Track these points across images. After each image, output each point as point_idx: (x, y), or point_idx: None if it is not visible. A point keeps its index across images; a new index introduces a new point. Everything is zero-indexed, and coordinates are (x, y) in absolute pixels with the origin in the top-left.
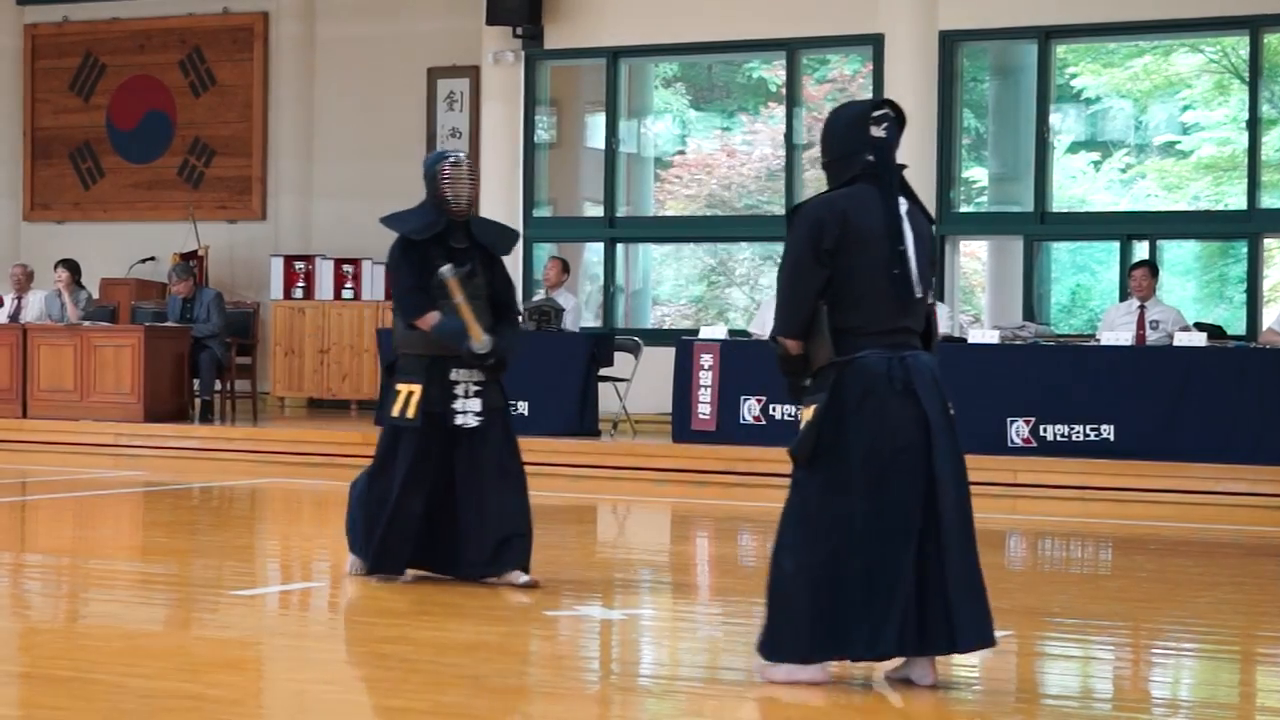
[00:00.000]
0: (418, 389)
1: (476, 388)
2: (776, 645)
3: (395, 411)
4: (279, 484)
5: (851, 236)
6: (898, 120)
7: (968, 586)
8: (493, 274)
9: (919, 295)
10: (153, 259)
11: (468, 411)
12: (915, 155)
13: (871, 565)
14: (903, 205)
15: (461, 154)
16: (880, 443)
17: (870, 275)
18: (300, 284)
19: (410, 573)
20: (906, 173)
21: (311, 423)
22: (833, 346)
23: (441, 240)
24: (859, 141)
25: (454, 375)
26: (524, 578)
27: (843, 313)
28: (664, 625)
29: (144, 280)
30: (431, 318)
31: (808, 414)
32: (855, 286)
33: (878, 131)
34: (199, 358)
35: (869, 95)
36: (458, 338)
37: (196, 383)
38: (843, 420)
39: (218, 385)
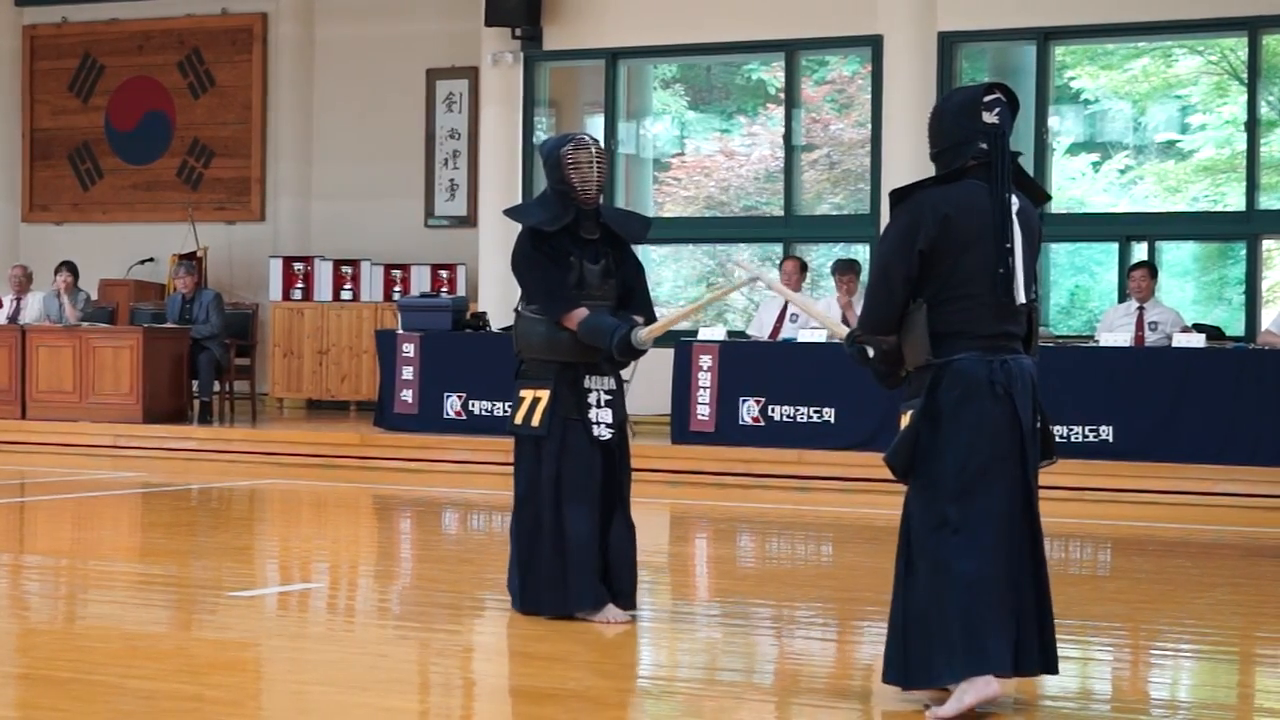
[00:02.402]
0: (545, 394)
1: (608, 397)
2: (910, 669)
3: (519, 419)
4: (278, 485)
5: (952, 238)
6: (1010, 105)
7: (1050, 605)
8: (624, 264)
9: (1023, 300)
10: (151, 260)
11: (601, 423)
12: (913, 157)
13: (980, 580)
14: (1014, 203)
15: (587, 135)
16: (980, 449)
17: (972, 278)
18: (299, 285)
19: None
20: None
21: (310, 424)
22: (930, 349)
23: (571, 231)
24: (970, 129)
25: (587, 382)
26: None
27: (942, 315)
28: (662, 626)
29: (143, 281)
30: (580, 314)
31: (904, 419)
32: (955, 288)
33: (990, 118)
34: (198, 359)
35: (868, 97)
36: (607, 336)
37: (195, 384)
38: (939, 425)
39: (216, 386)
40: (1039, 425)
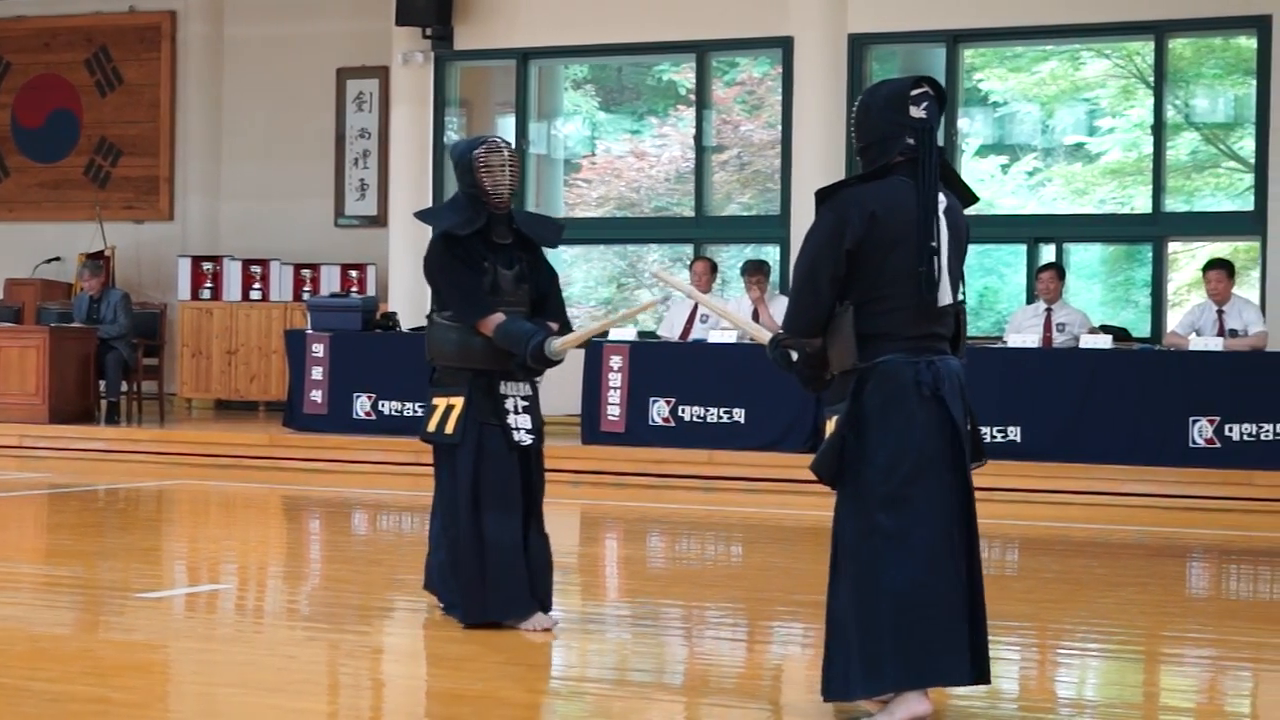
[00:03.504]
0: (458, 402)
1: (524, 403)
2: (839, 682)
3: (432, 427)
4: (186, 486)
5: (878, 237)
6: (937, 99)
7: (984, 613)
8: (537, 269)
9: (949, 300)
10: (58, 259)
11: (520, 429)
12: (823, 158)
13: (912, 590)
14: (941, 201)
15: (499, 138)
16: (908, 453)
17: (898, 278)
18: (208, 285)
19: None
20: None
21: (219, 424)
22: (857, 351)
23: (484, 235)
24: (897, 124)
25: (503, 389)
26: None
27: (867, 317)
28: (572, 627)
29: (49, 281)
30: (496, 319)
31: (830, 425)
32: (881, 289)
33: (918, 112)
34: (105, 359)
35: (778, 99)
36: (523, 342)
37: (103, 384)
38: (865, 431)
39: (124, 386)
40: (969, 427)
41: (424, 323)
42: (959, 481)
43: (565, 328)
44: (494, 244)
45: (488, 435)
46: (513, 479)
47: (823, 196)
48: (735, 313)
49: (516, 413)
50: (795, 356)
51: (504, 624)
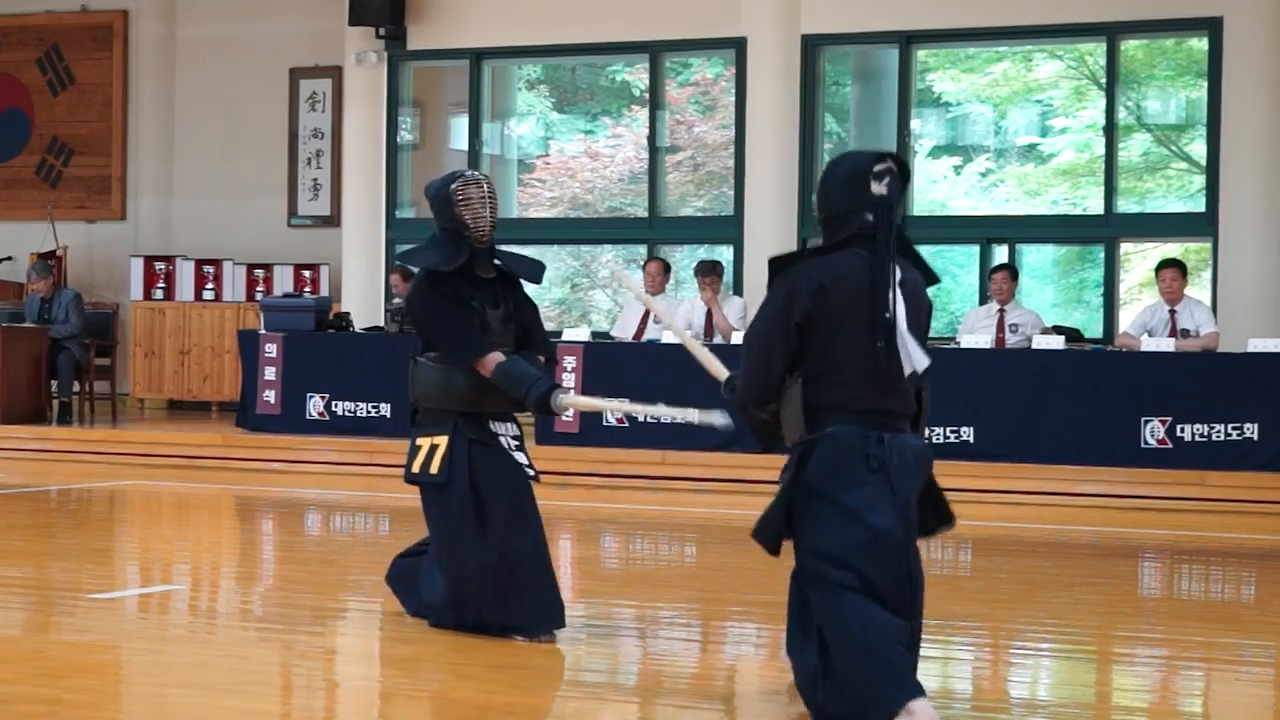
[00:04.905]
0: (442, 441)
1: (515, 443)
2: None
3: (416, 468)
4: (138, 486)
5: (828, 310)
6: (901, 175)
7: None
8: (520, 305)
9: (906, 372)
10: (10, 259)
11: (520, 464)
12: (776, 159)
13: (878, 637)
14: (898, 273)
15: (476, 172)
16: (852, 529)
17: (849, 351)
18: (160, 285)
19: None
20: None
21: (171, 425)
22: (804, 424)
23: (468, 272)
24: (857, 199)
25: (494, 427)
26: None
27: (817, 389)
28: None
29: (1, 280)
30: (495, 358)
31: (773, 498)
32: (831, 361)
33: (879, 189)
34: (57, 359)
35: (732, 99)
36: (525, 386)
37: (54, 384)
38: (810, 502)
39: (76, 387)
40: (929, 496)
41: (379, 323)
42: (903, 562)
43: (550, 360)
44: (478, 279)
45: (485, 458)
46: (519, 493)
47: (777, 269)
48: (690, 339)
49: (511, 451)
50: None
51: (537, 637)
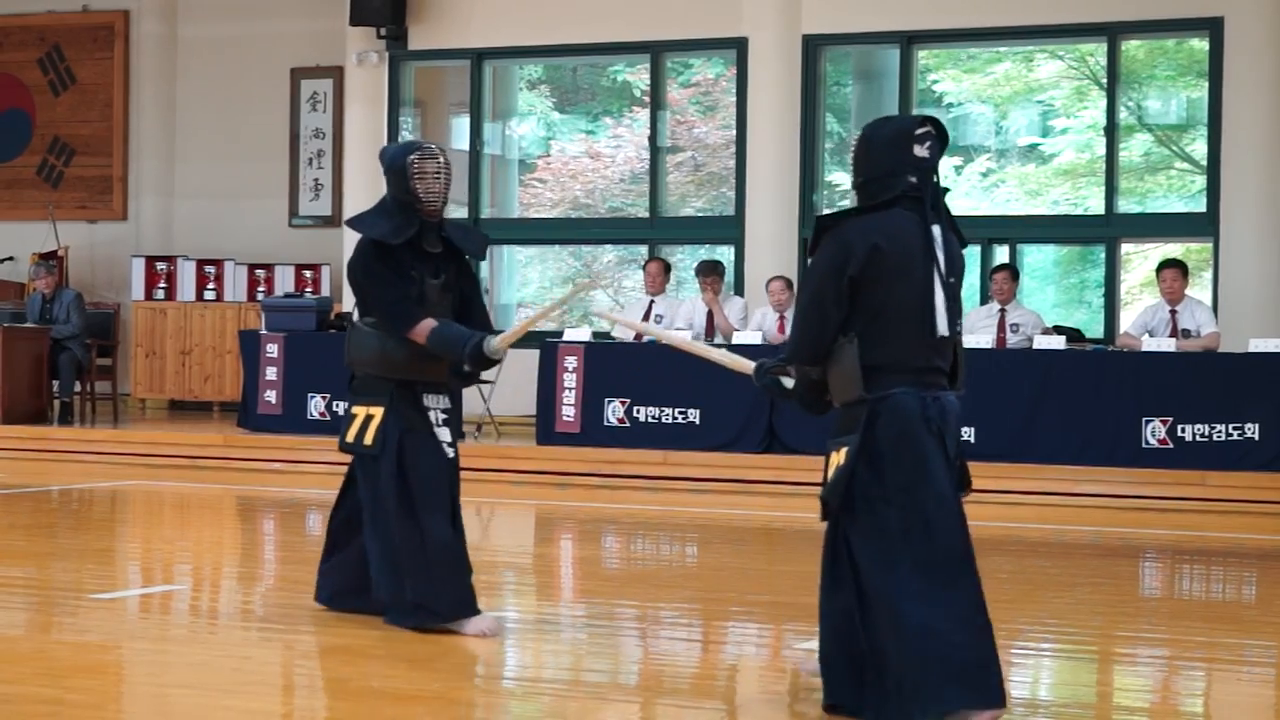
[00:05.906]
0: (378, 412)
1: (444, 415)
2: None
3: (350, 437)
4: (140, 486)
5: (881, 268)
6: (940, 139)
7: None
8: (463, 276)
9: (948, 332)
10: (11, 259)
11: (443, 442)
12: (777, 159)
13: (938, 627)
14: (937, 233)
15: (433, 144)
16: (923, 489)
17: (901, 309)
18: (162, 285)
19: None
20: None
21: (173, 424)
22: (863, 383)
23: (414, 244)
24: (900, 162)
25: (426, 401)
26: None
27: (870, 348)
28: (527, 628)
29: (2, 280)
30: (428, 325)
31: (838, 458)
32: (885, 321)
33: (921, 151)
34: (59, 359)
35: (732, 100)
36: (459, 345)
37: (56, 384)
38: (879, 465)
39: (78, 387)
40: (959, 460)
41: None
42: (961, 512)
43: (488, 329)
44: (423, 252)
45: (411, 441)
46: (443, 481)
47: (825, 226)
48: (704, 346)
49: (438, 425)
50: (790, 384)
51: (449, 628)
